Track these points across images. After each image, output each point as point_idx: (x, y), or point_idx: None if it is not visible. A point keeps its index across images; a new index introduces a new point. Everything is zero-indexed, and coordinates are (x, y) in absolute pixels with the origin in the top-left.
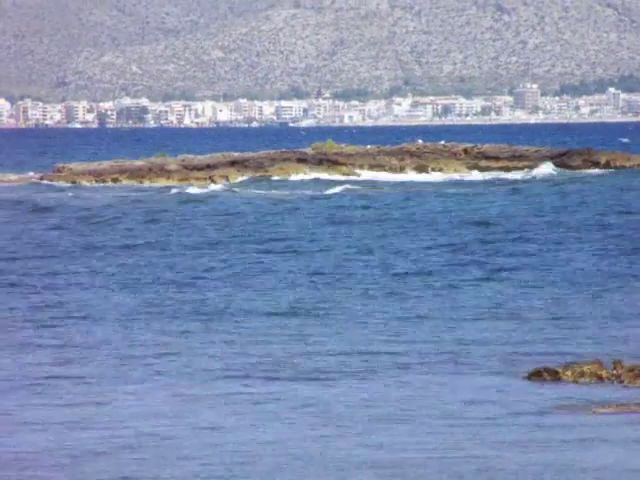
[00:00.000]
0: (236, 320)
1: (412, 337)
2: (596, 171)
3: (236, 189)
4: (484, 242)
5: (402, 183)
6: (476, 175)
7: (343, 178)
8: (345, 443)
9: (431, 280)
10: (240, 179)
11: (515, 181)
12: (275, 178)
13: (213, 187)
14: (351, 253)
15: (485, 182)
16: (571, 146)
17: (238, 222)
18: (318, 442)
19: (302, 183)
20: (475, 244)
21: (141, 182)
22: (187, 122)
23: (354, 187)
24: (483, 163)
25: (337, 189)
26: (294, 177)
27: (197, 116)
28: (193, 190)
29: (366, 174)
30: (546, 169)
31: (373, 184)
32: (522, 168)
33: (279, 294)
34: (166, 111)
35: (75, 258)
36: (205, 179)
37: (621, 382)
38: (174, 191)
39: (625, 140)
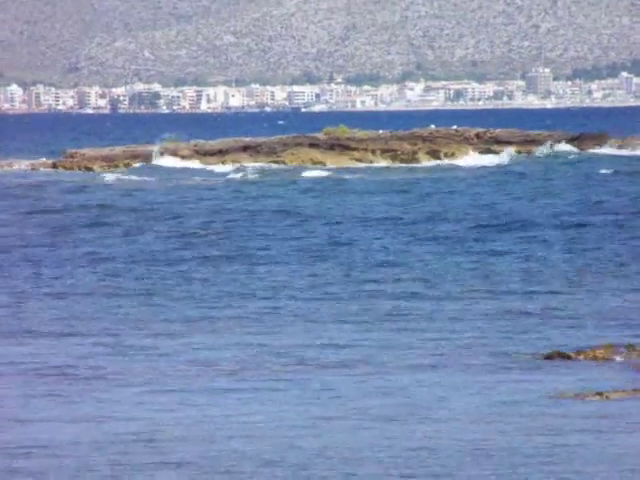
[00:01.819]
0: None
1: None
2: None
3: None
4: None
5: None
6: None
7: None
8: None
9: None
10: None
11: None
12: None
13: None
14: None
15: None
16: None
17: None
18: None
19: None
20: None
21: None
22: (203, 107)
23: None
24: (495, 148)
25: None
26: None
27: (209, 101)
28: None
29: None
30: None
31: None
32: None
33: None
34: (178, 96)
35: None
36: (216, 164)
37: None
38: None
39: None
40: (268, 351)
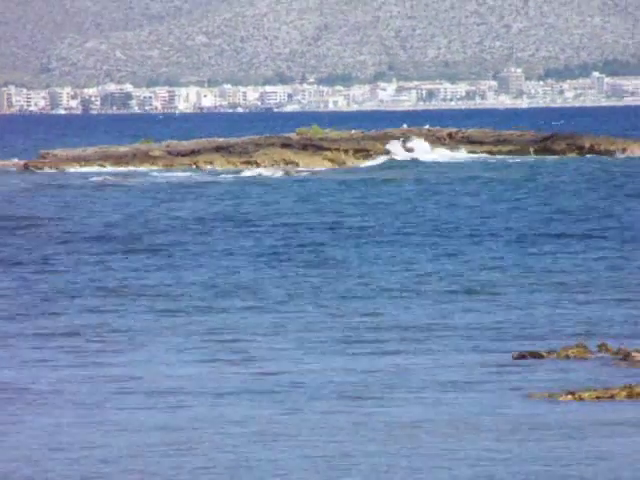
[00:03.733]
0: None
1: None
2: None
3: None
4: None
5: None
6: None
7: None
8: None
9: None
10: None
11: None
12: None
13: None
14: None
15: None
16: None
17: None
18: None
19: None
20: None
21: (125, 168)
22: (181, 108)
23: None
24: (468, 147)
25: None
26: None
27: (182, 101)
28: None
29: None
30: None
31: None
32: (506, 153)
33: None
34: (150, 97)
35: None
36: (190, 165)
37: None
38: None
39: (559, 123)
40: None
